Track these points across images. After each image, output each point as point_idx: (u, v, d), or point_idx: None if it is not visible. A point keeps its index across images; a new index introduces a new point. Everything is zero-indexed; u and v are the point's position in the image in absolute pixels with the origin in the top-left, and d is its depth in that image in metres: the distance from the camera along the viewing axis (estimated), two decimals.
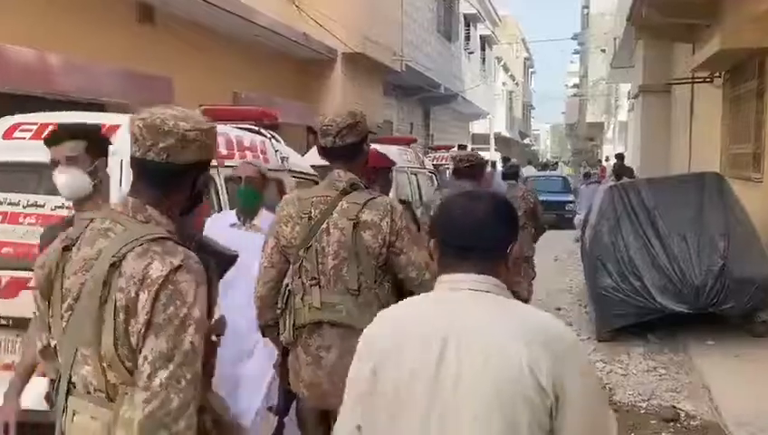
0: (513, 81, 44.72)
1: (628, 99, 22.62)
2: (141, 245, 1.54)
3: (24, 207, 3.60)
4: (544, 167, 31.11)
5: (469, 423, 1.35)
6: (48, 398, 1.76)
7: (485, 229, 1.49)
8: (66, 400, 1.63)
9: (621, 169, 11.73)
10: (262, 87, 11.03)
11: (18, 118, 3.96)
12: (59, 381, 1.65)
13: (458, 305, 1.45)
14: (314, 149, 9.73)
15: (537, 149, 71.17)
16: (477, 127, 33.97)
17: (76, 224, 1.80)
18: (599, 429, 1.44)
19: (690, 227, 6.62)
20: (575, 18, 76.39)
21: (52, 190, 3.68)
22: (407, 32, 17.11)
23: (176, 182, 1.67)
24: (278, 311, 2.71)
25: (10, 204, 3.63)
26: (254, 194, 3.65)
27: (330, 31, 12.11)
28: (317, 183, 5.97)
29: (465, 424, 1.35)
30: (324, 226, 2.60)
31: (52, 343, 1.68)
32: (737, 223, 6.69)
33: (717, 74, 9.83)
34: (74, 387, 1.62)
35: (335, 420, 1.61)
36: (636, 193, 7.01)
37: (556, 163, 36.66)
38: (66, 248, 1.64)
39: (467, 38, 26.77)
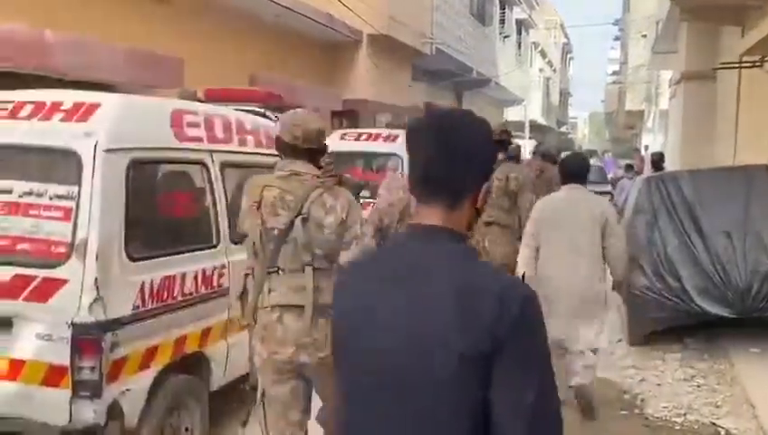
0: (551, 67, 43.65)
1: (670, 86, 21.70)
2: None
3: None
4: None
5: (581, 229, 4.16)
6: None
7: (583, 167, 4.48)
8: None
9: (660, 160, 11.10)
10: (282, 70, 10.67)
11: None
12: None
13: (578, 192, 4.34)
14: (335, 134, 9.46)
15: (574, 137, 69.66)
16: (512, 114, 33.21)
17: None
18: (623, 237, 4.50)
19: (735, 223, 6.07)
20: (616, 2, 74.36)
21: (23, 175, 3.41)
22: (437, 14, 16.56)
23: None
24: None
25: None
26: None
27: (354, 11, 11.66)
28: (330, 169, 5.67)
29: (579, 228, 4.17)
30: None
31: None
32: None
33: None
34: None
35: None
36: (676, 186, 6.45)
37: (602, 153, 35.04)
38: None
39: (502, 22, 26.01)
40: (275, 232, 2.85)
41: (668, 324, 6.07)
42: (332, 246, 2.88)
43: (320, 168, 3.02)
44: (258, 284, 2.91)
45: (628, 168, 14.29)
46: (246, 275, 3.00)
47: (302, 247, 2.85)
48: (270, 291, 2.88)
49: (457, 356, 1.22)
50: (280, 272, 2.87)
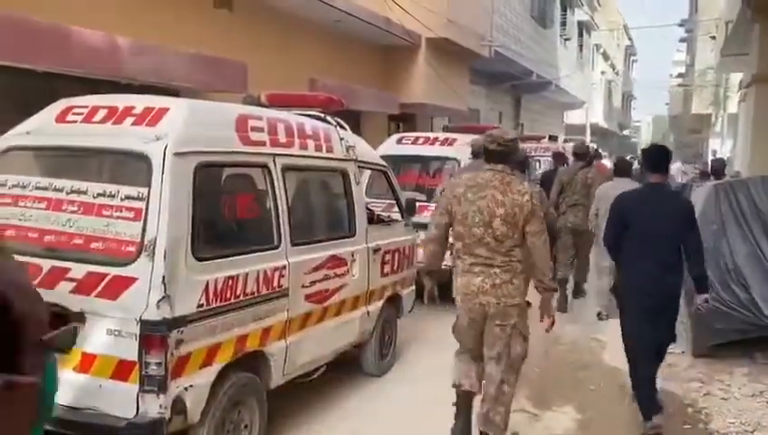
0: (613, 69, 42.64)
1: (739, 89, 20.87)
2: None
3: (67, 194, 3.45)
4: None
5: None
6: None
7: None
8: None
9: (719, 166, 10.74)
10: (341, 74, 10.79)
11: (72, 100, 3.84)
12: None
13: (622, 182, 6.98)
14: (392, 138, 9.42)
15: (637, 141, 67.73)
16: (572, 117, 32.61)
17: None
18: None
19: None
20: (681, 3, 71.89)
21: (97, 176, 3.57)
22: (497, 16, 16.42)
23: None
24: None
25: (55, 190, 3.50)
26: None
27: (413, 15, 11.68)
28: (386, 173, 5.69)
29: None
30: (575, 176, 8.04)
31: None
32: None
33: None
34: None
35: None
36: (746, 192, 6.20)
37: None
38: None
39: (563, 24, 25.57)
40: None
41: (735, 337, 5.84)
42: None
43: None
44: None
45: (703, 175, 13.69)
46: None
47: None
48: None
49: (680, 221, 4.31)
50: None
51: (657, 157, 4.54)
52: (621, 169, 7.65)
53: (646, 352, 4.42)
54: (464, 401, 3.94)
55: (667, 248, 4.29)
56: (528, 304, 3.88)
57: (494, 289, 3.67)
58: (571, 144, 10.74)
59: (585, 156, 8.43)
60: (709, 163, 14.54)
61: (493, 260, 3.68)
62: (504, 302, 3.68)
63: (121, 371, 3.11)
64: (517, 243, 3.68)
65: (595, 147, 13.17)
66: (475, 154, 6.88)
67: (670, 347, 6.24)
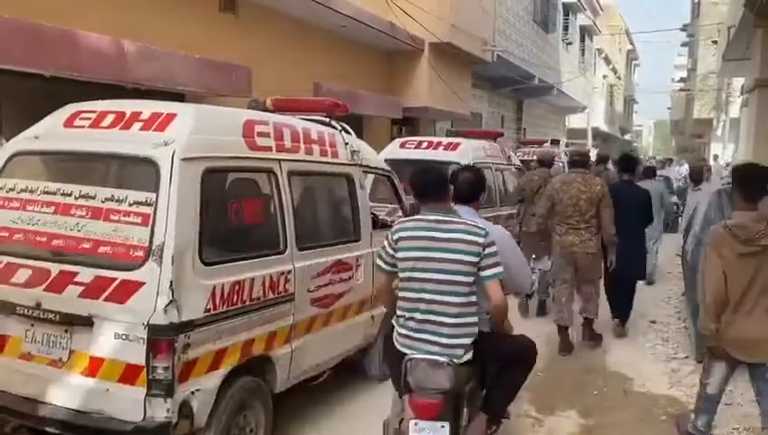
0: (615, 74, 42.63)
1: (741, 94, 20.88)
2: None
3: (75, 199, 3.48)
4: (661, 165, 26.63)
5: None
6: None
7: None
8: None
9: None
10: (345, 78, 10.82)
11: (80, 105, 3.87)
12: None
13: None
14: (395, 142, 9.40)
15: (639, 145, 67.73)
16: (574, 121, 32.62)
17: None
18: None
19: None
20: (683, 7, 71.78)
21: (104, 181, 3.59)
22: (499, 21, 16.46)
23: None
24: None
25: (63, 194, 3.52)
26: None
27: (417, 20, 11.72)
28: (390, 178, 5.70)
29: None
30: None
31: None
32: None
33: None
34: None
35: None
36: None
37: (670, 160, 32.85)
38: None
39: (566, 28, 25.61)
40: None
41: None
42: None
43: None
44: None
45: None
46: None
47: None
48: None
49: (642, 203, 6.81)
50: None
51: (628, 162, 7.18)
52: (646, 173, 10.02)
53: (620, 279, 6.66)
54: (563, 329, 6.23)
55: (632, 220, 6.50)
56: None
57: (580, 243, 6.11)
58: (572, 148, 12.39)
59: (606, 160, 11.06)
60: (711, 167, 14.60)
61: (579, 225, 6.09)
62: (585, 250, 6.11)
63: (129, 374, 3.12)
64: (593, 215, 6.08)
65: (608, 155, 13.59)
66: (543, 162, 8.35)
67: (674, 353, 6.36)
